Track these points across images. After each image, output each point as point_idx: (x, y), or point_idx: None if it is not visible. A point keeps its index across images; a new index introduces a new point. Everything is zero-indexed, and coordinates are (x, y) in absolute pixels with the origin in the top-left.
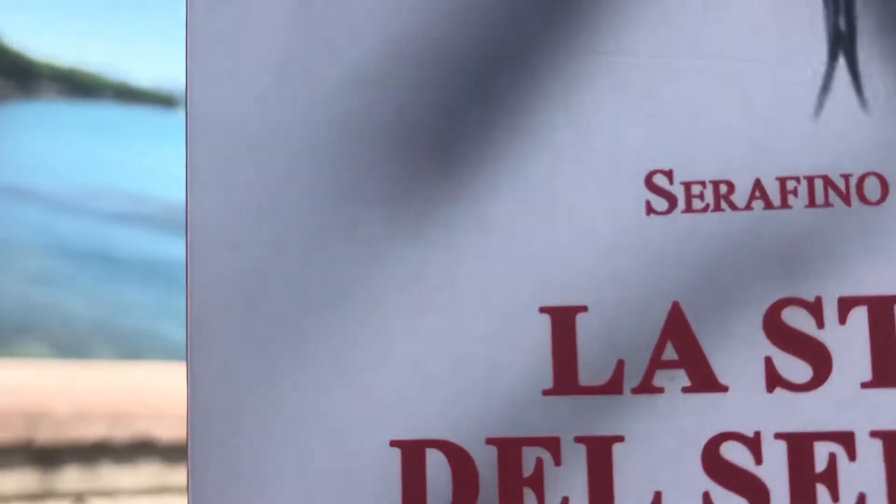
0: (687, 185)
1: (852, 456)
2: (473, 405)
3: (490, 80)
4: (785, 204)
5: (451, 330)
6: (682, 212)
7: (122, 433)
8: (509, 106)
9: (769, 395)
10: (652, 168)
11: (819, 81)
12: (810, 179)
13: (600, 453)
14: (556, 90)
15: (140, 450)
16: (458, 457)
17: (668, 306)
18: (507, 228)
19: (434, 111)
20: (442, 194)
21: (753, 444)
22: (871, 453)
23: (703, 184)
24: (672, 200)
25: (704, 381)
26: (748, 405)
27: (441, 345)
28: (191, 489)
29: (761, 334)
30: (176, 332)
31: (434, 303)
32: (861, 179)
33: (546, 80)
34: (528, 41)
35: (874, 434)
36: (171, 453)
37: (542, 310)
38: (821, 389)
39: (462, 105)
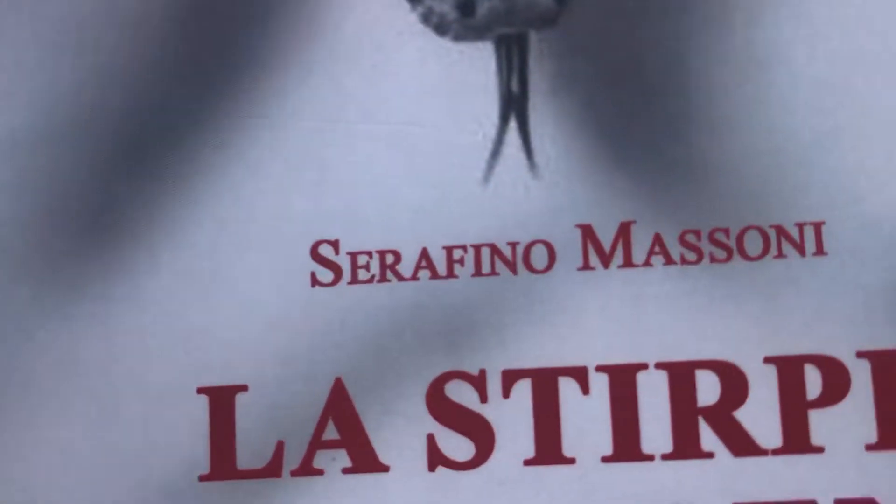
0: (353, 256)
1: None
2: (126, 493)
3: (149, 148)
4: (451, 273)
5: (103, 412)
6: (348, 283)
7: None
8: (169, 175)
9: (431, 475)
10: (318, 238)
11: (490, 146)
12: (477, 248)
13: None
14: (219, 158)
15: None
16: None
17: (331, 383)
18: (165, 303)
19: (89, 180)
20: (96, 268)
21: None
22: None
23: (369, 254)
24: (338, 271)
25: (365, 461)
26: (409, 485)
27: (93, 429)
28: None
29: (424, 410)
30: None
31: (86, 383)
32: (528, 247)
33: (208, 147)
34: (188, 108)
35: None
36: None
37: (200, 390)
38: (483, 467)
39: (119, 175)
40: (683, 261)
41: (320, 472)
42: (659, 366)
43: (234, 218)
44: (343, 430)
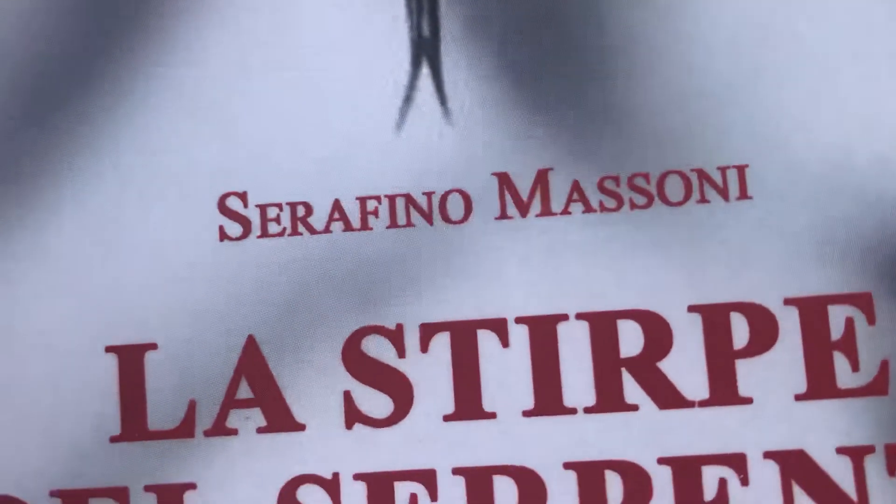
0: (262, 209)
1: (434, 496)
2: (36, 455)
3: (47, 98)
4: (365, 225)
5: (10, 374)
6: (258, 237)
7: None
8: (70, 126)
9: (348, 432)
10: (225, 190)
11: (402, 92)
12: (392, 199)
13: (171, 502)
14: (121, 108)
15: None
16: None
17: (244, 340)
18: (70, 260)
19: None
20: None
21: (332, 486)
22: (454, 493)
23: (279, 206)
24: (247, 225)
25: (280, 419)
26: (326, 444)
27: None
28: None
29: (340, 367)
30: None
31: None
32: (444, 197)
33: (109, 97)
34: (88, 56)
35: (456, 471)
36: None
37: (109, 349)
38: (402, 424)
39: (18, 129)
40: (603, 208)
41: (234, 432)
42: (580, 316)
43: (138, 171)
44: (257, 388)
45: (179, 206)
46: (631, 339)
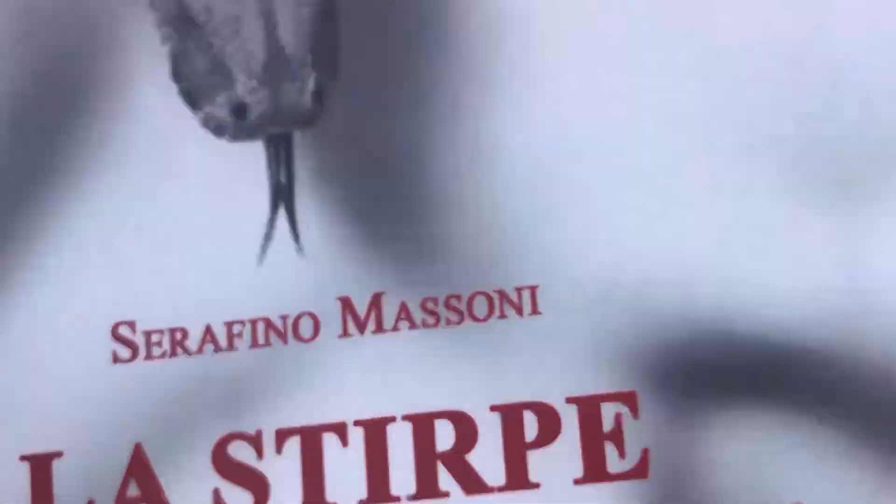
0: (148, 334)
1: None
2: None
3: None
4: (231, 346)
5: None
6: (144, 359)
7: None
8: None
9: None
10: (117, 320)
11: (262, 231)
12: (254, 322)
13: None
14: (30, 251)
15: None
16: None
17: (132, 448)
18: None
19: None
20: None
21: None
22: None
23: (161, 332)
24: (135, 349)
25: None
26: None
27: None
28: None
29: (210, 468)
30: None
31: None
32: (297, 319)
33: (21, 241)
34: None
35: None
36: None
37: (23, 458)
38: None
39: None
40: (424, 325)
41: None
42: (405, 418)
43: (45, 305)
44: (143, 488)
45: (79, 335)
46: (444, 436)
